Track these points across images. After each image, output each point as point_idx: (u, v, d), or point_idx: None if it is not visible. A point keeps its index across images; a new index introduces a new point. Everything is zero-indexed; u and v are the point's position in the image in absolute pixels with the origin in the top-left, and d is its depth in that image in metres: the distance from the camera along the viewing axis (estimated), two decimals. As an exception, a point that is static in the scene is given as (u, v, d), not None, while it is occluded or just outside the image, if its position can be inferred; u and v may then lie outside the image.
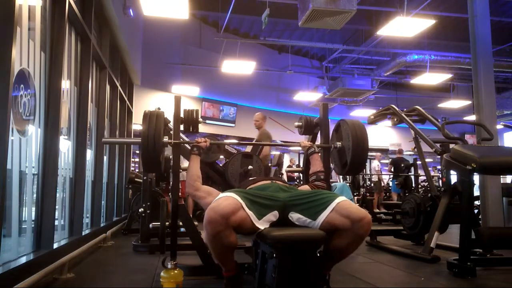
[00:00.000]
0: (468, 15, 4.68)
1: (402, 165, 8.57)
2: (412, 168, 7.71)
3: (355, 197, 8.11)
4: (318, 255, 1.89)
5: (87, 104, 3.90)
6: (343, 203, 1.80)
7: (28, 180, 2.63)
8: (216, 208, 1.70)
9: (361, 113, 12.82)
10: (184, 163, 4.53)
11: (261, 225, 1.80)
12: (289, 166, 9.59)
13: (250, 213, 1.77)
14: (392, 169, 8.72)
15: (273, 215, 1.85)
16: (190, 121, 2.67)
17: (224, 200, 1.75)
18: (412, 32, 7.05)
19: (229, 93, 11.68)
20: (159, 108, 2.64)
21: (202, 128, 2.94)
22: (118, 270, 3.10)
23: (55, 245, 2.90)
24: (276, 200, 1.89)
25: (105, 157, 5.08)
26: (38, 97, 2.77)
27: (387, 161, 10.65)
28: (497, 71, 10.39)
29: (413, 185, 7.54)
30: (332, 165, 2.81)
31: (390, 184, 9.70)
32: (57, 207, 3.04)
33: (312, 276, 1.74)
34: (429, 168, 4.69)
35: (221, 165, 3.65)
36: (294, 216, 1.86)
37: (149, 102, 9.44)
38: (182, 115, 2.66)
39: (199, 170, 2.40)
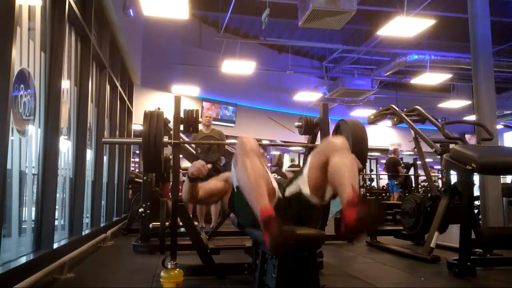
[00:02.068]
0: (468, 15, 4.68)
1: (402, 165, 8.58)
2: (412, 168, 7.70)
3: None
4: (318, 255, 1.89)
5: (87, 104, 3.90)
6: (316, 147, 1.97)
7: (28, 180, 2.63)
8: (249, 136, 1.84)
9: (361, 113, 12.81)
10: (184, 163, 4.55)
11: (273, 182, 1.90)
12: (291, 166, 9.55)
13: (266, 168, 1.87)
14: (387, 170, 8.75)
15: (279, 192, 1.93)
16: (190, 121, 2.68)
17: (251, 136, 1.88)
18: (412, 32, 7.05)
19: (229, 93, 11.68)
20: (159, 108, 2.65)
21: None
22: (118, 270, 3.10)
23: (55, 245, 2.90)
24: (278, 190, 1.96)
25: (105, 157, 5.08)
26: (38, 97, 2.77)
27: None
28: (497, 71, 10.38)
29: (413, 185, 7.53)
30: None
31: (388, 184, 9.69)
32: (57, 207, 3.05)
33: (312, 276, 1.74)
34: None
35: (221, 165, 3.65)
36: (288, 190, 1.95)
37: (149, 102, 9.44)
38: (182, 115, 2.66)
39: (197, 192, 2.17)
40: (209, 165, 2.13)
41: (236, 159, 1.78)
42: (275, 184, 1.90)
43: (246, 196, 1.68)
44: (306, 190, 1.87)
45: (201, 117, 2.92)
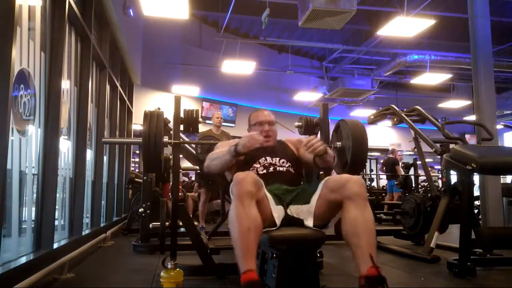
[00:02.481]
0: (468, 15, 4.68)
1: (402, 165, 8.57)
2: (412, 168, 7.71)
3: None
4: (318, 255, 1.88)
5: (87, 104, 3.90)
6: (331, 177, 1.79)
7: (28, 180, 2.63)
8: (245, 173, 1.65)
9: (361, 113, 12.81)
10: (184, 163, 4.55)
11: (275, 212, 1.73)
12: None
13: (269, 195, 1.75)
14: (386, 170, 8.75)
15: (281, 210, 1.79)
16: (190, 121, 2.68)
17: (249, 173, 1.71)
18: (412, 32, 7.04)
19: (229, 93, 11.68)
20: (159, 108, 2.64)
21: (202, 128, 2.94)
22: (118, 270, 3.10)
23: (55, 245, 2.91)
24: (283, 199, 1.85)
25: (105, 157, 5.08)
26: (38, 97, 2.77)
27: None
28: (497, 71, 10.38)
29: (413, 185, 7.54)
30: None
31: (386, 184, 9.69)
32: (57, 207, 3.05)
33: (312, 276, 1.74)
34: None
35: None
36: (292, 208, 1.82)
37: (149, 102, 9.44)
38: (182, 115, 2.66)
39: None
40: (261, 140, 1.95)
41: (232, 192, 1.63)
42: (276, 215, 1.73)
43: (234, 246, 1.56)
44: (309, 223, 1.74)
45: (202, 118, 2.92)
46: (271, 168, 2.04)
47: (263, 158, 2.07)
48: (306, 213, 1.76)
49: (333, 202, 1.71)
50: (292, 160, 2.13)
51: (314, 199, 1.76)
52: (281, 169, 2.05)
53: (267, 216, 1.70)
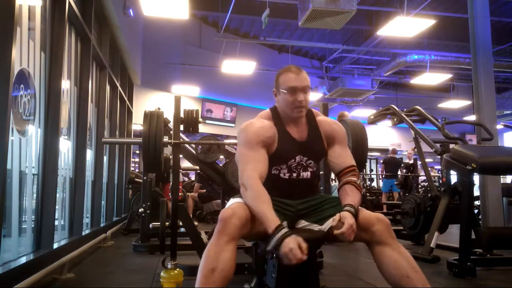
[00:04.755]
0: (468, 15, 4.68)
1: (402, 164, 8.58)
2: (412, 168, 7.72)
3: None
4: (318, 255, 1.87)
5: (87, 104, 3.90)
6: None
7: (28, 180, 2.63)
8: (232, 212, 1.47)
9: (361, 113, 12.81)
10: (184, 163, 4.55)
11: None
12: None
13: None
14: (386, 169, 8.74)
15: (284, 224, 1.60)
16: (190, 121, 2.68)
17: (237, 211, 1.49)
18: (412, 32, 7.05)
19: (229, 93, 11.69)
20: (159, 108, 2.65)
21: (202, 128, 2.94)
22: (118, 270, 3.10)
23: (55, 245, 2.91)
24: (288, 210, 1.69)
25: (105, 157, 5.08)
26: (38, 97, 2.77)
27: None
28: (497, 71, 10.39)
29: (413, 185, 7.54)
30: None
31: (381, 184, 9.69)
32: (57, 207, 3.05)
33: (312, 276, 1.74)
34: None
35: (221, 165, 3.65)
36: (301, 224, 1.71)
37: (149, 102, 9.44)
38: (182, 115, 2.66)
39: None
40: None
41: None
42: None
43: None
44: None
45: (202, 118, 2.92)
46: (295, 174, 1.73)
47: (293, 160, 1.72)
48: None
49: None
50: (319, 158, 1.80)
51: (329, 223, 1.59)
52: (304, 175, 1.74)
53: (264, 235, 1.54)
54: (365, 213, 1.59)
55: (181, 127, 2.71)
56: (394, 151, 9.08)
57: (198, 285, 1.42)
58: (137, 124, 7.45)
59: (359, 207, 1.62)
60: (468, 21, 4.68)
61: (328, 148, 1.78)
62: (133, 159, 9.48)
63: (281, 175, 1.73)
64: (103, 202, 5.07)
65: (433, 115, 4.37)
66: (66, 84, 3.46)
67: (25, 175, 2.57)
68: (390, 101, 9.30)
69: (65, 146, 3.51)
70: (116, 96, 5.74)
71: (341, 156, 1.74)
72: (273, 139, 1.70)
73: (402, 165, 8.55)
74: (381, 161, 9.81)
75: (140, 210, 4.10)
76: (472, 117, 11.39)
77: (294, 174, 1.72)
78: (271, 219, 1.47)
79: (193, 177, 9.43)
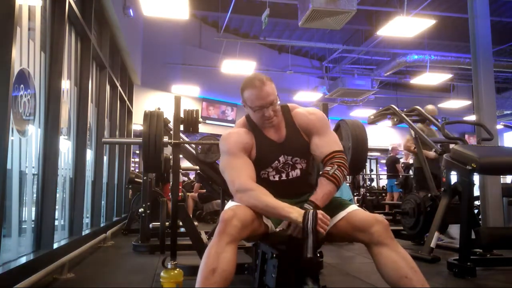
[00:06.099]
0: (468, 15, 4.68)
1: (402, 164, 8.57)
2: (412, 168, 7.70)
3: (355, 197, 8.11)
4: (318, 255, 1.86)
5: (87, 104, 3.90)
6: (353, 212, 1.61)
7: (28, 180, 2.63)
8: (233, 213, 1.49)
9: (361, 113, 12.82)
10: (184, 163, 4.55)
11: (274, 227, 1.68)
12: None
13: (269, 222, 1.65)
14: (387, 169, 8.73)
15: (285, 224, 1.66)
16: (190, 121, 2.68)
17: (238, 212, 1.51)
18: (412, 32, 7.05)
19: (229, 93, 11.68)
20: (159, 108, 2.65)
21: (202, 128, 2.94)
22: (118, 270, 3.10)
23: (55, 245, 2.91)
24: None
25: (105, 157, 5.08)
26: (38, 97, 2.77)
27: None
28: (497, 71, 10.39)
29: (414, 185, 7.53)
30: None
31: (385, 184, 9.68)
32: (57, 207, 3.05)
33: (312, 276, 1.74)
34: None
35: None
36: None
37: (149, 102, 9.44)
38: (182, 115, 2.66)
39: None
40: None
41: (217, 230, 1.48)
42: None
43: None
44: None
45: (202, 118, 2.92)
46: (284, 175, 1.75)
47: (277, 161, 1.74)
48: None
49: (350, 238, 1.62)
50: (304, 154, 1.78)
51: (330, 224, 1.57)
52: (293, 173, 1.75)
53: (265, 230, 1.63)
54: (363, 214, 1.60)
55: (181, 127, 2.71)
56: (394, 150, 9.06)
57: (198, 286, 1.43)
58: (137, 124, 7.44)
59: (358, 208, 1.64)
60: (468, 21, 4.68)
61: (309, 140, 1.77)
62: (133, 159, 9.47)
63: (271, 178, 1.76)
64: (103, 202, 5.07)
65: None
66: (66, 84, 3.46)
67: (25, 175, 2.57)
68: (390, 101, 9.31)
69: (65, 146, 3.51)
70: (116, 96, 5.74)
71: (319, 146, 1.73)
72: (251, 145, 1.76)
73: (402, 165, 8.54)
74: (384, 162, 9.77)
75: (140, 210, 4.09)
76: (472, 117, 11.39)
77: (283, 175, 1.75)
78: (283, 205, 1.53)
79: (193, 177, 9.42)
